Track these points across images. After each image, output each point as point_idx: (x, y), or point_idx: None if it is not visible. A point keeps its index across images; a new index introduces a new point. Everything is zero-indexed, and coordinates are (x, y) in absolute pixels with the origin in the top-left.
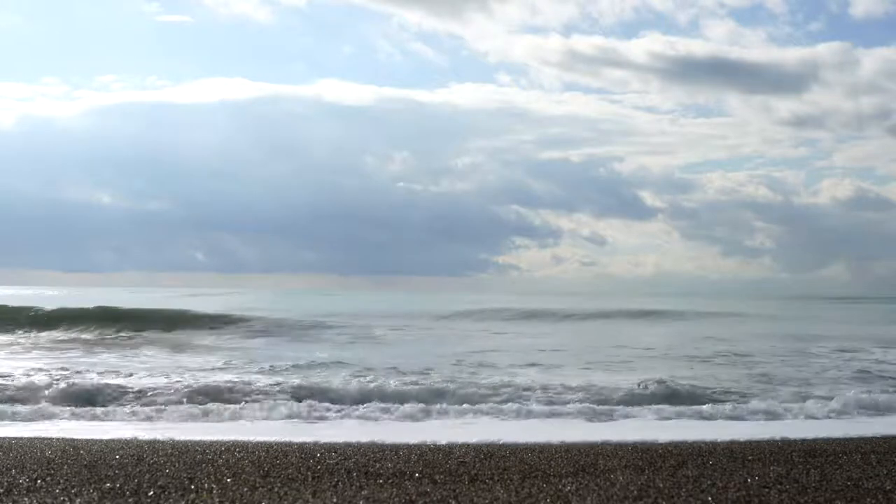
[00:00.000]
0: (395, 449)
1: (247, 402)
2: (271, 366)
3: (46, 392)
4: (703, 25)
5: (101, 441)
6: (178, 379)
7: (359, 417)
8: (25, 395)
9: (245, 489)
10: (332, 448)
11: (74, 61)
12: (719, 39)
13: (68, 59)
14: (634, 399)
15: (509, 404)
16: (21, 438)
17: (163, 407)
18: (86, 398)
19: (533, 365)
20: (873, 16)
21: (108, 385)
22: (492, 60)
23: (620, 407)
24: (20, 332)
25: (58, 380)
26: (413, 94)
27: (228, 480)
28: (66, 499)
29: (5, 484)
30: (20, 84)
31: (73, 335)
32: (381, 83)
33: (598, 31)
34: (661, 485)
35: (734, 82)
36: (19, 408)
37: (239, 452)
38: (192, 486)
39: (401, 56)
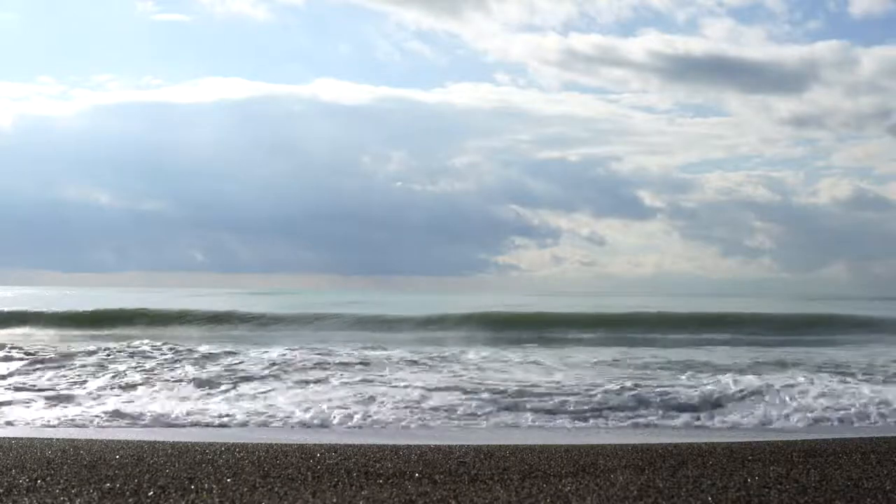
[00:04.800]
0: (395, 449)
1: None
2: None
3: None
4: (702, 24)
5: (101, 441)
6: None
7: None
8: None
9: (245, 489)
10: (332, 448)
11: (70, 60)
12: (718, 38)
13: (64, 58)
14: None
15: None
16: (21, 438)
17: None
18: None
19: None
20: (872, 14)
21: None
22: (490, 60)
23: None
24: None
25: None
26: (410, 93)
27: (228, 480)
28: (66, 499)
29: (5, 484)
30: (16, 83)
31: None
32: (378, 82)
33: (596, 30)
34: (661, 485)
35: (733, 81)
36: None
37: (239, 452)
38: (192, 486)
39: (398, 55)
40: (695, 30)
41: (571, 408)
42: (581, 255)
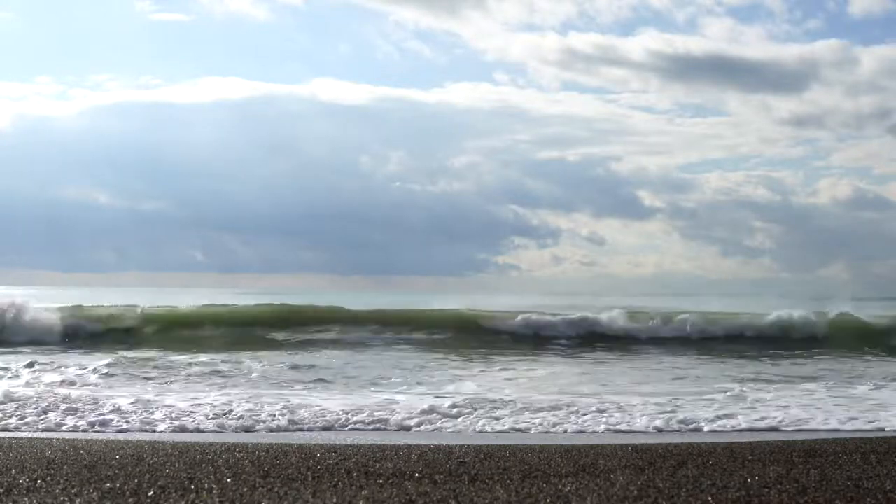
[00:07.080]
0: (395, 449)
1: None
2: None
3: None
4: (702, 24)
5: (101, 441)
6: None
7: None
8: None
9: (245, 489)
10: (332, 448)
11: (68, 60)
12: (717, 37)
13: (62, 58)
14: None
15: None
16: (21, 438)
17: None
18: None
19: None
20: (872, 14)
21: None
22: (489, 59)
23: None
24: None
25: None
26: (409, 93)
27: (228, 480)
28: (66, 499)
29: (5, 484)
30: (14, 83)
31: None
32: (377, 82)
33: (596, 30)
34: (661, 485)
35: (733, 81)
36: None
37: (239, 452)
38: (192, 486)
39: (397, 55)
40: (694, 29)
41: None
42: (581, 255)
